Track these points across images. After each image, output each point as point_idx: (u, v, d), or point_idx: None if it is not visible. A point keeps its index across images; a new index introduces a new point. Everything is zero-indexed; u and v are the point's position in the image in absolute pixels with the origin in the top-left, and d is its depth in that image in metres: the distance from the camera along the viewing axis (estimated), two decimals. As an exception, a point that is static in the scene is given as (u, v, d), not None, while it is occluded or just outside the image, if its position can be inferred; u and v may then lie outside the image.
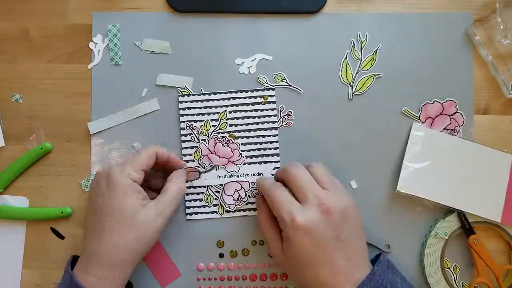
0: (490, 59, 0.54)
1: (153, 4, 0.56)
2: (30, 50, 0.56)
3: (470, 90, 0.55)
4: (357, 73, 0.55)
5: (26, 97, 0.56)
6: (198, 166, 0.53)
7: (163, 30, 0.55)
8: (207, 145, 0.52)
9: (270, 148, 0.53)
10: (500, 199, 0.52)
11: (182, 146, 0.52)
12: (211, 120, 0.52)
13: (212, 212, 0.53)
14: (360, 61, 0.55)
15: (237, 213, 0.53)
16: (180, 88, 0.55)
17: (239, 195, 0.53)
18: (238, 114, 0.52)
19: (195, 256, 0.54)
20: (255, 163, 0.53)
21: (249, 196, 0.53)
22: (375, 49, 0.55)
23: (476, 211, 0.52)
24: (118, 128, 0.55)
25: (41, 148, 0.54)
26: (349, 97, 0.55)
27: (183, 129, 0.53)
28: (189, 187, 0.53)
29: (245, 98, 0.52)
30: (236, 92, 0.53)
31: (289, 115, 0.54)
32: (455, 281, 0.53)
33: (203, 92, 0.52)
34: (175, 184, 0.49)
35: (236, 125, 0.53)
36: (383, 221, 0.54)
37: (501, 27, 0.52)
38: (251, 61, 0.55)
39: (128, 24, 0.56)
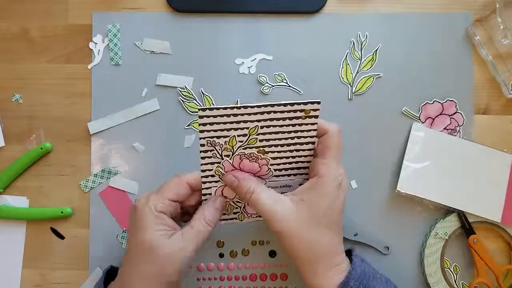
0: (490, 59, 0.54)
1: (153, 4, 0.56)
2: (30, 50, 0.56)
3: (470, 90, 0.55)
4: (357, 73, 0.55)
5: (26, 97, 0.56)
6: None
7: (163, 30, 0.55)
8: (231, 162, 0.44)
9: (303, 162, 0.45)
10: (500, 199, 0.52)
11: (201, 162, 0.44)
12: (238, 135, 0.42)
13: (232, 219, 0.48)
14: (360, 61, 0.55)
15: (258, 218, 0.49)
16: (180, 88, 0.55)
17: None
18: (271, 129, 0.42)
19: (195, 256, 0.54)
20: (284, 175, 0.46)
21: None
22: (375, 49, 0.55)
23: (476, 211, 0.52)
24: (118, 128, 0.55)
25: (41, 148, 0.54)
26: (349, 97, 0.55)
27: (203, 145, 0.43)
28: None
29: (282, 112, 0.41)
30: (272, 105, 0.41)
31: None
32: (455, 281, 0.53)
33: (229, 105, 0.41)
34: (199, 216, 0.44)
35: (267, 140, 0.43)
36: (383, 221, 0.54)
37: (501, 27, 0.52)
38: (251, 61, 0.55)
39: (128, 24, 0.56)
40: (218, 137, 0.42)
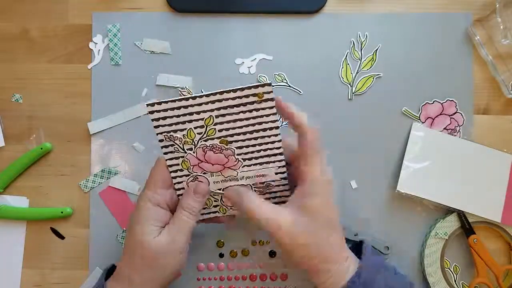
0: (490, 59, 0.54)
1: (153, 4, 0.56)
2: (30, 50, 0.56)
3: (470, 90, 0.55)
4: (357, 73, 0.55)
5: (26, 97, 0.56)
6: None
7: (163, 30, 0.55)
8: (195, 155, 0.43)
9: (272, 149, 0.44)
10: (500, 199, 0.52)
11: (165, 158, 0.43)
12: (195, 127, 0.42)
13: (214, 212, 0.48)
14: (360, 61, 0.55)
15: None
16: (180, 88, 0.55)
17: None
18: (228, 118, 0.41)
19: (195, 256, 0.54)
20: (255, 164, 0.44)
21: None
22: (375, 49, 0.55)
23: (476, 211, 0.52)
24: (118, 128, 0.55)
25: (41, 148, 0.54)
26: (349, 97, 0.55)
27: (161, 140, 0.42)
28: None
29: (234, 99, 0.40)
30: (221, 93, 0.40)
31: (289, 115, 0.54)
32: (455, 281, 0.53)
33: (178, 98, 0.40)
34: (178, 207, 0.44)
35: (227, 129, 0.42)
36: (383, 221, 0.54)
37: (501, 27, 0.52)
38: (251, 61, 0.55)
39: (128, 24, 0.56)
40: (175, 131, 0.42)
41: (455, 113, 0.54)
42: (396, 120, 0.54)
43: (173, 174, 0.45)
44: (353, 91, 0.55)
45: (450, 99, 0.54)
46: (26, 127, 0.56)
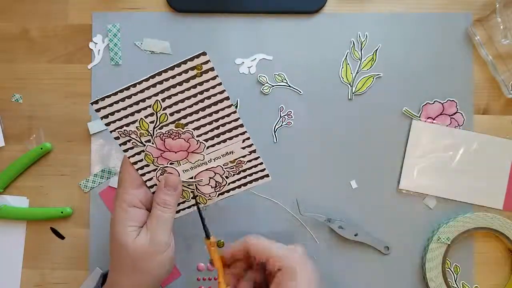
0: (490, 59, 0.54)
1: (153, 4, 0.56)
2: (30, 50, 0.56)
3: (470, 90, 0.55)
4: (357, 73, 0.55)
5: (26, 97, 0.56)
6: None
7: (163, 30, 0.55)
8: (155, 145, 0.42)
9: (230, 122, 0.42)
10: (502, 186, 0.52)
11: (127, 155, 0.42)
12: (145, 116, 0.41)
13: (195, 205, 0.46)
14: (360, 61, 0.55)
15: (220, 197, 0.47)
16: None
17: (215, 181, 0.46)
18: (174, 99, 0.40)
19: (195, 256, 0.54)
20: (219, 143, 0.43)
21: (227, 177, 0.45)
22: (375, 49, 0.55)
23: (479, 201, 0.53)
24: (118, 128, 0.55)
25: (41, 148, 0.54)
26: (349, 97, 0.55)
27: (117, 138, 0.41)
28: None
29: (173, 77, 0.39)
30: (159, 73, 0.39)
31: (289, 115, 0.54)
32: (455, 281, 0.53)
33: (118, 89, 0.39)
34: (153, 203, 0.43)
35: (178, 111, 0.41)
36: (383, 221, 0.53)
37: (501, 27, 0.52)
38: (251, 61, 0.55)
39: (128, 24, 0.56)
40: (127, 125, 0.41)
41: (455, 113, 0.54)
42: (396, 120, 0.54)
43: (140, 171, 0.44)
44: (353, 91, 0.55)
45: (451, 99, 0.54)
46: (26, 127, 0.56)
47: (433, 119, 0.54)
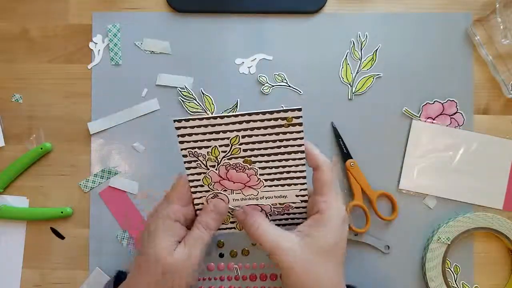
0: (490, 59, 0.54)
1: (153, 4, 0.56)
2: (30, 50, 0.56)
3: (470, 90, 0.55)
4: (357, 73, 0.55)
5: (26, 97, 0.56)
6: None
7: (163, 30, 0.55)
8: (217, 172, 0.43)
9: (295, 171, 0.43)
10: (502, 186, 0.52)
11: (187, 173, 0.43)
12: (220, 146, 0.41)
13: (230, 228, 0.47)
14: (360, 61, 0.55)
15: None
16: (180, 88, 0.55)
17: None
18: (254, 139, 0.41)
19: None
20: (277, 185, 0.44)
21: (270, 215, 0.46)
22: (375, 49, 0.55)
23: (479, 201, 0.53)
24: (118, 128, 0.55)
25: (41, 148, 0.54)
26: (349, 97, 0.55)
27: (185, 156, 0.42)
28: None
29: (262, 121, 0.40)
30: (250, 114, 0.39)
31: (289, 115, 0.54)
32: (455, 281, 0.53)
33: (206, 116, 0.40)
34: (196, 222, 0.44)
35: (252, 149, 0.41)
36: (384, 222, 0.53)
37: (501, 27, 0.52)
38: (251, 61, 0.55)
39: (128, 24, 0.56)
40: (199, 148, 0.41)
41: (455, 113, 0.54)
42: (396, 120, 0.54)
43: (193, 189, 0.44)
44: (353, 91, 0.55)
45: (451, 99, 0.54)
46: (26, 127, 0.56)
47: (433, 119, 0.54)
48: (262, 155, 0.42)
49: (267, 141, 0.41)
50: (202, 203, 0.45)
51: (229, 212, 0.46)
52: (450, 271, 0.53)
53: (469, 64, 0.55)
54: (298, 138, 0.41)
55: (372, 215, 0.53)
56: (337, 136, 0.54)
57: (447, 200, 0.53)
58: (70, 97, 0.56)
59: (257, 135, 0.41)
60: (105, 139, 0.55)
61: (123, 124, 0.55)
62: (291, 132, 0.41)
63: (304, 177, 0.43)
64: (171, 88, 0.55)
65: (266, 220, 0.43)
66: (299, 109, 0.39)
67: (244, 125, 0.40)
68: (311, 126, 0.54)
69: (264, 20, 0.55)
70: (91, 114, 0.55)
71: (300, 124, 0.40)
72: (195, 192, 0.44)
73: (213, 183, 0.44)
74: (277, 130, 0.40)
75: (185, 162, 0.42)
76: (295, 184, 0.44)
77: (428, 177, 0.53)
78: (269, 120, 0.40)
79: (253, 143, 0.41)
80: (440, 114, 0.54)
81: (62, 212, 0.54)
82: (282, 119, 0.40)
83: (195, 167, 0.43)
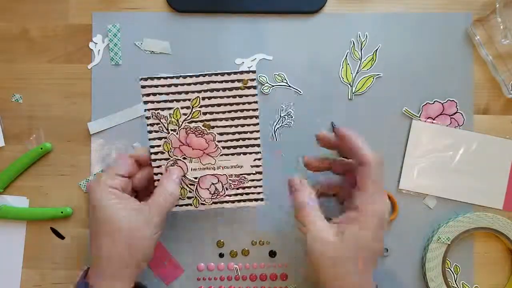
0: (490, 59, 0.54)
1: (153, 4, 0.56)
2: (30, 50, 0.56)
3: (470, 90, 0.55)
4: (357, 73, 0.55)
5: (26, 97, 0.56)
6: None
7: (163, 30, 0.55)
8: (178, 136, 0.46)
9: (250, 138, 0.46)
10: (502, 186, 0.52)
11: (149, 137, 0.45)
12: (182, 108, 0.45)
13: (186, 205, 0.48)
14: (360, 61, 0.55)
15: (213, 206, 0.48)
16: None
17: (215, 188, 0.48)
18: (213, 101, 0.44)
19: (195, 256, 0.54)
20: (233, 154, 0.46)
21: (226, 188, 0.48)
22: (375, 49, 0.55)
23: (479, 201, 0.53)
24: (118, 128, 0.55)
25: (41, 148, 0.54)
26: (349, 97, 0.55)
27: (148, 117, 0.45)
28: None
29: (220, 82, 0.44)
30: (209, 75, 0.44)
31: (289, 115, 0.54)
32: (455, 281, 0.53)
33: (170, 75, 0.44)
34: (160, 189, 0.45)
35: (211, 113, 0.45)
36: (383, 221, 0.54)
37: (501, 27, 0.52)
38: (251, 61, 0.55)
39: (128, 24, 0.56)
40: (162, 109, 0.45)
41: (455, 113, 0.54)
42: (396, 120, 0.54)
43: (153, 156, 0.46)
44: (353, 91, 0.55)
45: (451, 99, 0.54)
46: (26, 127, 0.56)
47: (433, 119, 0.54)
48: (220, 119, 0.45)
49: (225, 104, 0.45)
50: (161, 173, 0.47)
51: (187, 185, 0.47)
52: (450, 271, 0.53)
53: (469, 64, 0.55)
54: (253, 102, 0.45)
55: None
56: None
57: (447, 200, 0.53)
58: (70, 97, 0.56)
59: (215, 97, 0.44)
60: (105, 139, 0.55)
61: (123, 124, 0.55)
62: (247, 95, 0.44)
63: (259, 145, 0.46)
64: (171, 88, 0.55)
65: (317, 205, 0.43)
66: (254, 72, 0.44)
67: (204, 86, 0.44)
68: (311, 126, 0.54)
69: (264, 20, 0.55)
70: (91, 114, 0.55)
71: (255, 87, 0.44)
72: (155, 160, 0.46)
73: (172, 149, 0.46)
74: (234, 92, 0.44)
75: (148, 125, 0.45)
76: (250, 153, 0.47)
77: (428, 177, 0.53)
78: (227, 81, 0.44)
79: (212, 106, 0.45)
80: (440, 114, 0.54)
81: (62, 212, 0.54)
82: (239, 81, 0.44)
83: (157, 131, 0.46)
